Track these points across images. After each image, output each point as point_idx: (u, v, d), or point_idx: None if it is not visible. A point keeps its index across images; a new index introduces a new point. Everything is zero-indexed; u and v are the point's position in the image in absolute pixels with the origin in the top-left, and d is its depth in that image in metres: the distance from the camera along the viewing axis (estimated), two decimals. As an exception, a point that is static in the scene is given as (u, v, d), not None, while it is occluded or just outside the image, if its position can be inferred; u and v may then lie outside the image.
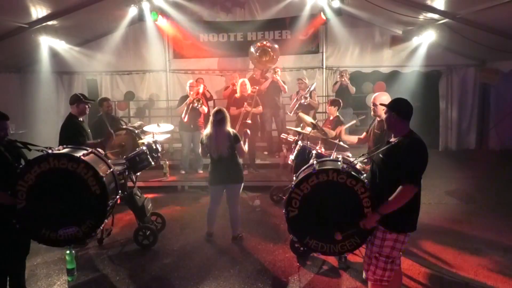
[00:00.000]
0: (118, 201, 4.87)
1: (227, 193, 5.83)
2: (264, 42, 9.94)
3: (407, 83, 11.22)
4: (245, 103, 8.21)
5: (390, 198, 3.36)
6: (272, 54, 9.79)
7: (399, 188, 3.32)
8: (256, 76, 9.92)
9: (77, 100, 5.60)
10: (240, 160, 5.94)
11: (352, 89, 10.03)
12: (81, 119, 5.73)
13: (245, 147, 5.77)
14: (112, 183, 4.41)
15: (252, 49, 9.82)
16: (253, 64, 10.41)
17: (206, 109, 8.58)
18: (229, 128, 5.62)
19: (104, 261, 5.42)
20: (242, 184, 5.86)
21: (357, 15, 10.68)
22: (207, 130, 5.64)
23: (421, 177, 3.35)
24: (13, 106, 10.34)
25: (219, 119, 5.53)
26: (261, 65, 9.98)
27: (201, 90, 8.82)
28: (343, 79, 9.94)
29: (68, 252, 4.79)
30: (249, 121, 8.13)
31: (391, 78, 11.48)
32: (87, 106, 5.67)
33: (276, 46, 9.97)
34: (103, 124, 7.22)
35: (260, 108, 8.59)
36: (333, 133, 6.22)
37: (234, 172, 5.72)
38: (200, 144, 5.81)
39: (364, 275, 3.74)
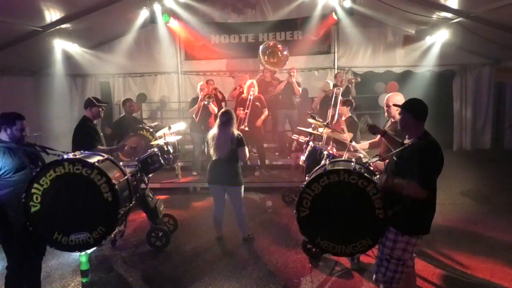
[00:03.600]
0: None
1: (229, 195, 5.80)
2: (273, 44, 9.89)
3: (420, 83, 11.13)
4: (239, 108, 8.25)
5: (402, 183, 3.33)
6: (280, 55, 9.76)
7: (410, 182, 3.26)
8: (266, 78, 9.92)
9: (90, 104, 5.68)
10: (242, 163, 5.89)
11: (353, 92, 9.91)
12: (95, 122, 5.78)
13: (247, 153, 5.75)
14: (125, 191, 4.41)
15: (260, 51, 9.81)
16: (262, 66, 10.41)
17: (216, 109, 8.60)
18: (235, 130, 5.59)
19: (117, 262, 5.46)
20: (243, 187, 5.80)
21: (369, 15, 10.61)
22: (213, 131, 5.63)
23: (434, 181, 3.30)
24: (27, 109, 10.44)
25: (224, 121, 5.52)
26: (270, 67, 9.96)
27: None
28: (353, 80, 9.83)
29: (82, 253, 4.83)
30: (246, 128, 8.08)
31: (404, 78, 11.39)
32: (100, 109, 5.74)
33: (286, 49, 9.90)
34: (125, 124, 7.34)
35: (265, 112, 8.64)
36: (345, 135, 6.17)
37: (231, 175, 5.66)
38: (205, 144, 5.79)
39: (374, 276, 3.70)
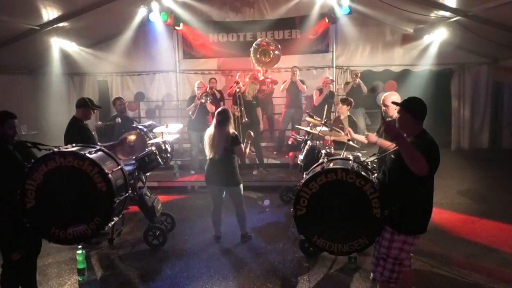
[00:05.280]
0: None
1: (229, 195, 5.80)
2: (265, 43, 9.87)
3: (418, 82, 11.09)
4: (233, 106, 8.38)
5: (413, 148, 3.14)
6: (272, 55, 9.74)
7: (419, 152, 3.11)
8: (258, 76, 9.94)
9: (84, 105, 5.59)
10: (244, 161, 5.88)
11: (365, 89, 9.93)
12: (85, 123, 5.74)
13: (247, 150, 5.70)
14: (120, 180, 4.40)
15: (252, 49, 9.78)
16: (256, 64, 10.41)
17: (214, 108, 8.59)
18: (230, 129, 5.53)
19: (114, 261, 5.45)
20: (241, 186, 5.78)
21: (367, 14, 10.60)
22: (210, 130, 5.60)
23: (433, 171, 3.24)
24: (25, 108, 10.47)
25: (220, 120, 5.47)
26: (263, 65, 9.95)
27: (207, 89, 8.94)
28: (356, 80, 9.84)
29: (79, 252, 4.83)
30: (246, 119, 8.28)
31: (402, 77, 11.37)
32: (92, 112, 5.71)
33: (277, 49, 9.88)
34: (117, 123, 7.30)
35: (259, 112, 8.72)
36: (342, 133, 6.17)
37: (228, 175, 5.62)
38: (203, 144, 5.77)
39: (371, 275, 3.69)
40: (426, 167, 3.09)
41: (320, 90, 9.34)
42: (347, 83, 10.21)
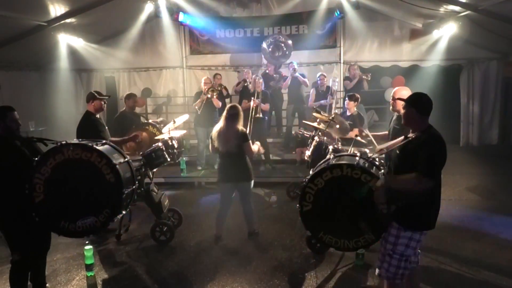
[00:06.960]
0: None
1: (238, 191, 5.70)
2: (277, 37, 9.90)
3: (427, 77, 10.99)
4: (252, 98, 8.25)
5: (402, 177, 3.23)
6: (285, 49, 9.76)
7: (413, 174, 3.18)
8: (270, 71, 9.92)
9: (91, 97, 5.65)
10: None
11: (366, 85, 9.79)
12: (98, 116, 5.77)
13: (255, 148, 5.59)
14: (127, 173, 4.41)
15: (264, 45, 9.80)
16: (266, 60, 10.40)
17: (220, 103, 8.58)
18: (240, 126, 5.46)
19: (122, 256, 5.47)
20: (252, 182, 5.74)
21: (375, 9, 10.52)
22: (219, 125, 5.50)
23: (439, 172, 3.24)
24: (33, 104, 10.53)
25: (231, 114, 5.40)
26: (274, 61, 9.96)
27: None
28: (364, 76, 9.69)
29: (87, 247, 4.85)
30: (260, 115, 8.25)
31: (410, 72, 11.28)
32: (102, 102, 5.72)
33: (290, 41, 10.01)
34: (127, 119, 7.29)
35: (267, 105, 8.64)
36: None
37: (242, 170, 5.54)
38: (210, 139, 5.70)
39: (377, 271, 3.67)
40: (428, 183, 3.16)
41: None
42: (348, 79, 10.02)
